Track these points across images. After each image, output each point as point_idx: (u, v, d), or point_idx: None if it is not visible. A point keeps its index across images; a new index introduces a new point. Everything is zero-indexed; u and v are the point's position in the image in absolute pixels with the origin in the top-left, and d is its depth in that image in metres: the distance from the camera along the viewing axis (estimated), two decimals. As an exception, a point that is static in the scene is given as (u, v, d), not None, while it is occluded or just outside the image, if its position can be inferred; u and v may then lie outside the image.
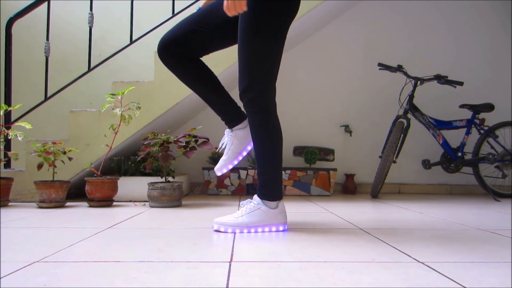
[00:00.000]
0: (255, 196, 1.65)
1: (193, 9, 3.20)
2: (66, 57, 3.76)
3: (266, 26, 1.56)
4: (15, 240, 1.39)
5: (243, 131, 1.77)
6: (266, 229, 1.61)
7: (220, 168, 1.78)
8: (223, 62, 2.80)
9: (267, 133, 1.62)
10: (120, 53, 3.00)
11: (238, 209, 1.68)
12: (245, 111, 1.65)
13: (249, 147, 1.79)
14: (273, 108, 1.63)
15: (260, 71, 1.58)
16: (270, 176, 1.64)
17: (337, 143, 3.85)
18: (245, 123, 1.78)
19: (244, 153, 1.80)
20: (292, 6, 1.61)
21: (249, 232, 1.58)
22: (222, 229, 1.59)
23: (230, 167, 1.78)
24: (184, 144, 2.46)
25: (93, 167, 2.59)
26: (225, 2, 1.46)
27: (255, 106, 1.59)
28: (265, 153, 1.63)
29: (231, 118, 1.77)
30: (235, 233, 1.57)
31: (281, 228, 1.63)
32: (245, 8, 1.46)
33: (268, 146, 1.63)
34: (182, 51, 1.68)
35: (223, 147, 1.83)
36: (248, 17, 1.54)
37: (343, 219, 1.97)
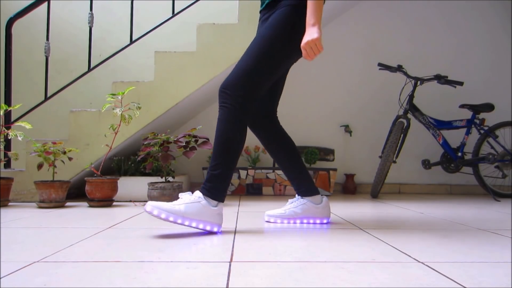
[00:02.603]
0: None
1: (193, 9, 3.20)
2: (66, 57, 3.76)
3: (282, 43, 1.63)
4: (15, 240, 1.39)
5: (313, 206, 1.82)
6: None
7: (272, 216, 1.85)
8: (222, 62, 2.80)
9: (222, 132, 1.57)
10: (120, 53, 3.01)
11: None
12: (219, 103, 1.61)
13: (305, 220, 1.83)
14: (247, 114, 1.60)
15: (253, 76, 1.58)
16: (224, 173, 1.57)
17: (337, 143, 3.85)
18: (319, 200, 1.84)
19: (298, 221, 1.83)
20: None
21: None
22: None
23: (279, 221, 1.83)
24: (184, 144, 2.46)
25: (93, 167, 2.59)
26: (303, 51, 1.58)
27: (230, 102, 1.56)
28: (217, 151, 1.56)
29: (303, 188, 1.84)
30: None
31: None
32: (322, 49, 1.58)
33: (218, 143, 1.56)
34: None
35: (289, 202, 1.88)
36: (266, 31, 1.64)
37: (343, 219, 1.97)
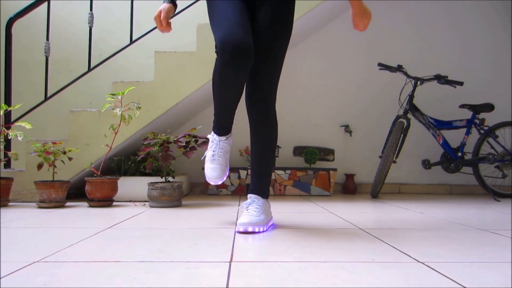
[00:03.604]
0: (256, 195, 1.68)
1: (193, 9, 3.20)
2: (66, 57, 3.76)
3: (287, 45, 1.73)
4: (15, 240, 1.39)
5: (231, 138, 1.81)
6: (270, 222, 1.70)
7: (222, 177, 1.69)
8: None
9: (275, 138, 1.74)
10: (120, 53, 3.01)
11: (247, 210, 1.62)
12: (260, 120, 1.68)
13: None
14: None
15: (277, 84, 1.72)
16: (270, 177, 1.77)
17: (337, 143, 3.85)
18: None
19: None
20: None
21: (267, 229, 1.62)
22: (250, 229, 1.53)
23: (227, 173, 1.76)
24: (184, 144, 2.47)
25: (93, 167, 2.59)
26: (366, 20, 1.75)
27: (272, 114, 1.70)
28: (273, 157, 1.76)
29: (231, 125, 1.80)
30: (260, 232, 1.55)
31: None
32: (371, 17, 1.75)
33: (274, 150, 1.76)
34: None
35: (219, 153, 1.70)
36: (285, 38, 1.69)
37: (343, 219, 1.97)
